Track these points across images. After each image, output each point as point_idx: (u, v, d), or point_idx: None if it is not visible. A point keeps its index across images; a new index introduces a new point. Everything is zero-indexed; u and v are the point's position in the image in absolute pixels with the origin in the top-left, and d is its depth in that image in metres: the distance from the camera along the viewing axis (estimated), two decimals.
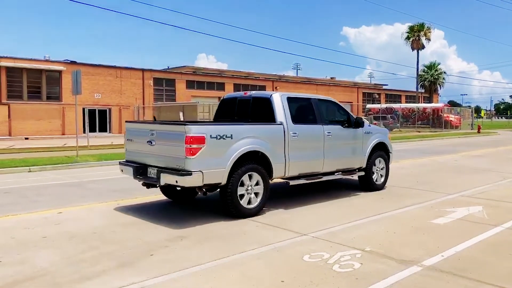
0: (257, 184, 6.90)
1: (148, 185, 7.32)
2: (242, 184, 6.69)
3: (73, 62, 33.86)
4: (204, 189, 6.49)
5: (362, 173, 8.92)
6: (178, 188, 7.36)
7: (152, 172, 6.74)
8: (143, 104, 36.75)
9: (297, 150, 7.48)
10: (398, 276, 4.35)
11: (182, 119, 25.86)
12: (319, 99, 8.44)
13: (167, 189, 7.62)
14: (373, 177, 9.12)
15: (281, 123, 7.35)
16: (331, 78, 65.06)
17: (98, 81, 34.35)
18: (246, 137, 6.71)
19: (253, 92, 8.32)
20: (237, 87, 43.88)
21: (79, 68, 16.81)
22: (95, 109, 34.42)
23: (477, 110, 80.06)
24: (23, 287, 4.15)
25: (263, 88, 46.13)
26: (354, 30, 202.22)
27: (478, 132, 38.01)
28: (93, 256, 4.98)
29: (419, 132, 38.02)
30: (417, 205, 7.75)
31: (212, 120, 9.45)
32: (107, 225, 6.36)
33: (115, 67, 35.86)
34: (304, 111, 7.97)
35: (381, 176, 9.37)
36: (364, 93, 58.53)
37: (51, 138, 28.66)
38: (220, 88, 42.72)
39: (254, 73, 50.85)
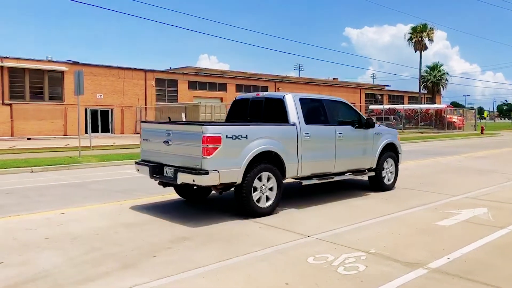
0: (270, 183, 6.99)
1: (165, 184, 7.42)
2: (257, 184, 6.79)
3: (75, 63, 33.88)
4: (219, 188, 6.61)
5: (373, 174, 9.01)
6: (195, 187, 7.48)
7: (168, 172, 6.84)
8: (145, 105, 36.74)
9: (309, 150, 7.57)
10: (403, 278, 4.30)
11: (184, 119, 25.83)
12: (330, 100, 8.57)
13: (181, 188, 7.72)
14: (383, 177, 9.19)
15: (294, 124, 7.45)
16: (333, 78, 65.00)
17: (100, 82, 34.36)
18: (260, 138, 6.83)
19: (266, 93, 8.49)
20: (239, 88, 43.85)
21: (81, 69, 16.81)
22: (97, 110, 34.43)
23: (480, 111, 79.86)
24: None
25: (265, 89, 46.06)
26: (356, 31, 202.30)
27: (481, 133, 37.90)
28: (96, 258, 4.94)
29: (421, 133, 37.91)
30: (422, 206, 7.69)
31: (222, 120, 9.50)
32: (109, 226, 6.33)
33: (117, 67, 35.86)
34: (316, 112, 8.07)
35: (391, 176, 9.46)
36: (366, 94, 58.43)
37: (53, 139, 28.67)
38: (222, 88, 42.69)
39: (257, 73, 50.81)
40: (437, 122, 45.12)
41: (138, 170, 7.62)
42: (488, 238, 5.73)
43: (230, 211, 7.20)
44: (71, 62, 33.97)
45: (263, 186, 6.89)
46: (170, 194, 8.71)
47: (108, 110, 35.46)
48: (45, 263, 4.77)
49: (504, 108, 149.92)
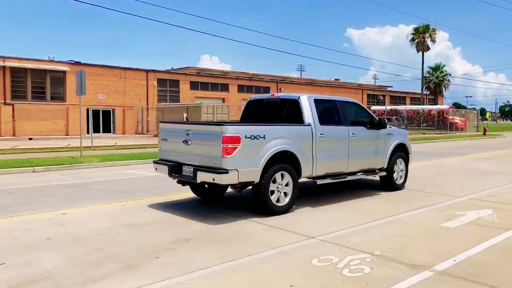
0: (287, 183, 7.10)
1: (184, 182, 7.57)
2: (273, 183, 6.90)
3: (77, 63, 33.89)
4: (238, 187, 6.76)
5: (384, 173, 9.16)
6: (207, 186, 7.68)
7: (187, 170, 6.97)
8: (147, 105, 36.73)
9: (324, 150, 7.69)
10: (409, 281, 4.24)
11: (185, 120, 25.79)
12: (343, 101, 8.74)
13: (196, 187, 7.92)
14: (394, 177, 9.32)
15: (309, 124, 7.57)
16: (335, 79, 64.93)
17: (102, 82, 34.36)
18: (277, 138, 6.95)
19: (280, 94, 8.64)
20: (241, 89, 43.82)
21: (83, 69, 16.77)
22: (99, 110, 34.43)
23: (482, 112, 79.67)
24: None
25: (267, 89, 46.02)
26: (358, 32, 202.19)
27: (484, 134, 37.77)
28: (98, 259, 4.89)
29: (424, 134, 37.80)
30: (426, 208, 7.63)
31: (231, 120, 9.56)
32: (111, 226, 6.28)
33: (119, 67, 35.86)
34: (330, 113, 8.19)
35: (401, 176, 9.59)
36: (368, 95, 58.34)
37: (55, 139, 28.66)
38: (224, 89, 42.67)
39: (258, 74, 50.76)
40: (439, 123, 44.99)
41: (156, 169, 7.78)
42: (494, 240, 5.67)
43: (232, 212, 7.16)
44: (73, 62, 33.99)
45: (279, 185, 7.01)
46: (172, 195, 8.68)
47: (110, 110, 35.46)
48: (47, 264, 4.72)
49: (506, 109, 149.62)
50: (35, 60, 31.84)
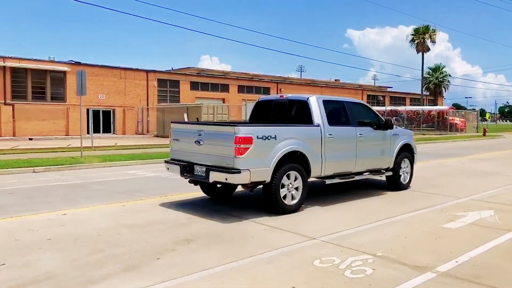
0: (297, 182, 7.21)
1: (196, 182, 7.72)
2: (284, 182, 7.01)
3: (77, 63, 33.87)
4: (249, 187, 6.86)
5: (390, 173, 9.27)
6: (219, 186, 7.84)
7: (199, 170, 7.08)
8: (147, 105, 36.71)
9: (332, 150, 7.81)
10: (412, 282, 4.22)
11: (186, 120, 25.78)
12: (351, 102, 8.93)
13: (207, 186, 8.08)
14: (400, 177, 9.43)
15: (318, 125, 7.68)
16: (335, 80, 64.91)
17: (102, 82, 34.33)
18: (288, 138, 7.06)
19: (289, 95, 8.71)
20: (241, 89, 43.80)
21: (84, 69, 16.75)
22: (99, 110, 34.40)
23: (482, 113, 79.65)
24: None
25: (267, 90, 46.01)
26: (358, 33, 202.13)
27: (484, 135, 37.75)
28: (99, 259, 4.87)
29: (424, 135, 37.77)
30: (427, 208, 7.61)
31: (242, 121, 9.62)
32: (112, 227, 6.26)
33: (119, 68, 35.84)
34: (338, 113, 8.33)
35: (406, 176, 9.71)
36: (368, 96, 58.32)
37: (55, 139, 28.63)
38: (224, 89, 42.64)
39: (258, 74, 50.75)
40: (439, 124, 44.96)
41: (168, 168, 7.86)
42: (496, 241, 5.65)
43: (233, 212, 7.14)
44: (73, 62, 33.97)
45: (290, 185, 7.11)
46: (172, 196, 8.67)
47: (110, 111, 35.43)
48: (47, 264, 4.70)
49: (506, 110, 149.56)
50: (35, 60, 31.82)
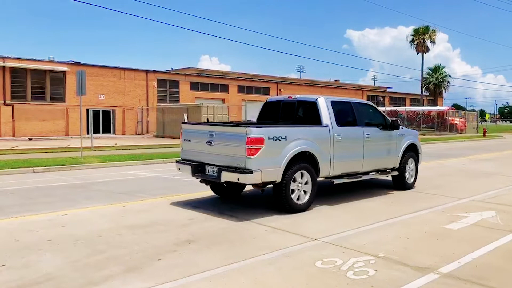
0: (306, 182, 7.31)
1: (207, 182, 7.87)
2: (294, 182, 7.12)
3: (77, 63, 33.82)
4: (260, 187, 6.96)
5: (396, 173, 9.40)
6: (226, 185, 7.91)
7: (210, 170, 7.20)
8: (147, 105, 36.67)
9: (340, 150, 7.93)
10: (415, 284, 4.20)
11: (186, 120, 25.75)
12: (358, 103, 9.10)
13: (217, 186, 8.23)
14: (405, 176, 9.55)
15: (327, 126, 7.80)
16: (335, 80, 64.88)
17: (102, 82, 34.28)
18: (298, 139, 7.16)
19: (298, 96, 8.78)
20: (241, 89, 43.75)
21: (83, 69, 16.72)
22: (99, 110, 34.34)
23: (482, 113, 79.65)
24: None
25: (267, 90, 45.97)
26: (357, 33, 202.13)
27: (484, 135, 37.74)
28: (99, 261, 4.84)
29: (423, 135, 37.74)
30: (428, 209, 7.58)
31: (252, 122, 9.70)
32: (113, 228, 6.23)
33: (119, 68, 35.78)
34: (345, 114, 8.44)
35: (412, 176, 9.84)
36: (368, 96, 58.24)
37: (54, 139, 28.58)
38: (224, 90, 42.60)
39: (258, 75, 50.68)
40: (439, 124, 44.97)
41: (179, 168, 7.95)
42: (498, 242, 5.63)
43: (234, 213, 7.11)
44: (73, 62, 33.92)
45: (299, 184, 7.23)
46: (173, 196, 8.64)
47: (110, 111, 35.38)
48: (48, 266, 4.67)
49: (506, 110, 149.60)
50: (35, 60, 31.76)
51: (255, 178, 6.60)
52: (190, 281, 4.25)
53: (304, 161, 7.29)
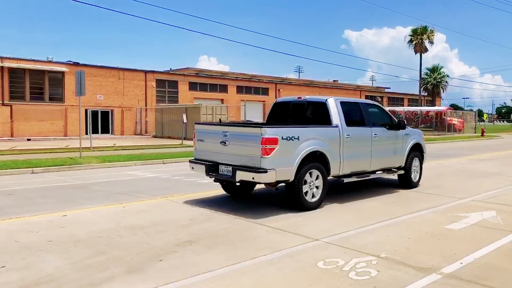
0: (318, 181, 7.51)
1: (221, 181, 8.09)
2: (306, 180, 7.29)
3: (76, 63, 33.73)
4: (273, 185, 7.11)
5: (402, 172, 9.60)
6: (237, 184, 8.00)
7: (224, 170, 7.33)
8: (146, 106, 36.61)
9: (349, 150, 8.10)
10: (418, 284, 4.19)
11: (185, 121, 25.70)
12: (366, 103, 9.33)
13: (228, 185, 8.43)
14: (411, 175, 9.75)
15: (336, 126, 7.97)
16: (333, 81, 64.89)
17: (100, 83, 34.20)
18: (309, 139, 7.34)
19: (307, 96, 8.98)
20: (240, 89, 43.73)
21: (82, 69, 16.67)
22: (98, 111, 34.26)
23: (479, 113, 79.80)
24: None
25: (266, 90, 45.96)
26: (355, 33, 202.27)
27: (482, 135, 37.80)
28: (100, 262, 4.82)
29: None
30: (429, 209, 7.58)
31: (264, 122, 9.74)
32: (113, 228, 6.20)
33: (117, 68, 35.71)
34: (354, 114, 8.62)
35: (416, 174, 10.05)
36: (366, 96, 58.21)
37: (53, 139, 28.52)
38: (223, 90, 42.56)
39: (257, 75, 50.64)
40: (438, 125, 45.04)
41: (192, 168, 8.07)
42: (499, 242, 5.62)
43: (235, 214, 7.10)
44: (71, 62, 33.83)
45: (311, 183, 7.40)
46: (173, 196, 8.62)
47: (108, 111, 35.30)
48: (49, 267, 4.65)
49: (503, 110, 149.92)
50: (33, 60, 31.66)
51: (270, 177, 6.74)
52: (192, 282, 4.24)
53: (316, 160, 7.45)
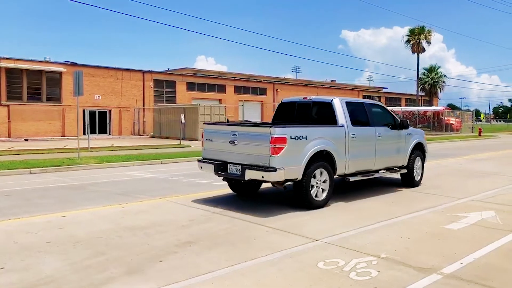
0: (324, 179, 7.64)
1: (229, 180, 8.22)
2: (313, 179, 7.43)
3: (73, 64, 33.63)
4: (281, 184, 7.24)
5: (405, 171, 9.77)
6: (243, 182, 8.14)
7: (233, 169, 7.43)
8: (143, 106, 36.54)
9: (355, 149, 8.24)
10: (418, 284, 4.19)
11: (183, 121, 25.66)
12: (370, 103, 9.49)
13: (235, 184, 8.57)
14: (413, 174, 9.92)
15: (342, 125, 8.11)
16: (331, 81, 64.93)
17: (98, 83, 34.12)
18: (317, 138, 7.47)
19: (313, 97, 9.12)
20: (238, 90, 43.70)
21: (80, 69, 16.62)
22: (95, 111, 34.18)
23: (477, 113, 80.00)
24: None
25: (264, 90, 45.94)
26: (353, 33, 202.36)
27: (479, 135, 37.89)
28: (100, 262, 4.80)
29: None
30: (428, 209, 7.59)
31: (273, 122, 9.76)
32: (112, 229, 6.18)
33: (115, 68, 35.63)
34: (359, 114, 8.74)
35: (418, 173, 10.23)
36: (364, 96, 58.31)
37: (51, 140, 28.43)
38: (221, 90, 42.54)
39: (255, 75, 50.63)
40: (435, 124, 45.12)
41: (201, 167, 8.16)
42: (499, 242, 5.63)
43: (234, 214, 7.09)
44: (69, 63, 33.74)
45: (318, 182, 7.54)
46: (172, 197, 8.60)
47: (106, 111, 35.22)
48: (48, 268, 4.63)
49: (500, 110, 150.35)
50: (30, 60, 31.55)
51: (279, 176, 6.84)
52: (192, 283, 4.22)
53: (322, 159, 7.58)
